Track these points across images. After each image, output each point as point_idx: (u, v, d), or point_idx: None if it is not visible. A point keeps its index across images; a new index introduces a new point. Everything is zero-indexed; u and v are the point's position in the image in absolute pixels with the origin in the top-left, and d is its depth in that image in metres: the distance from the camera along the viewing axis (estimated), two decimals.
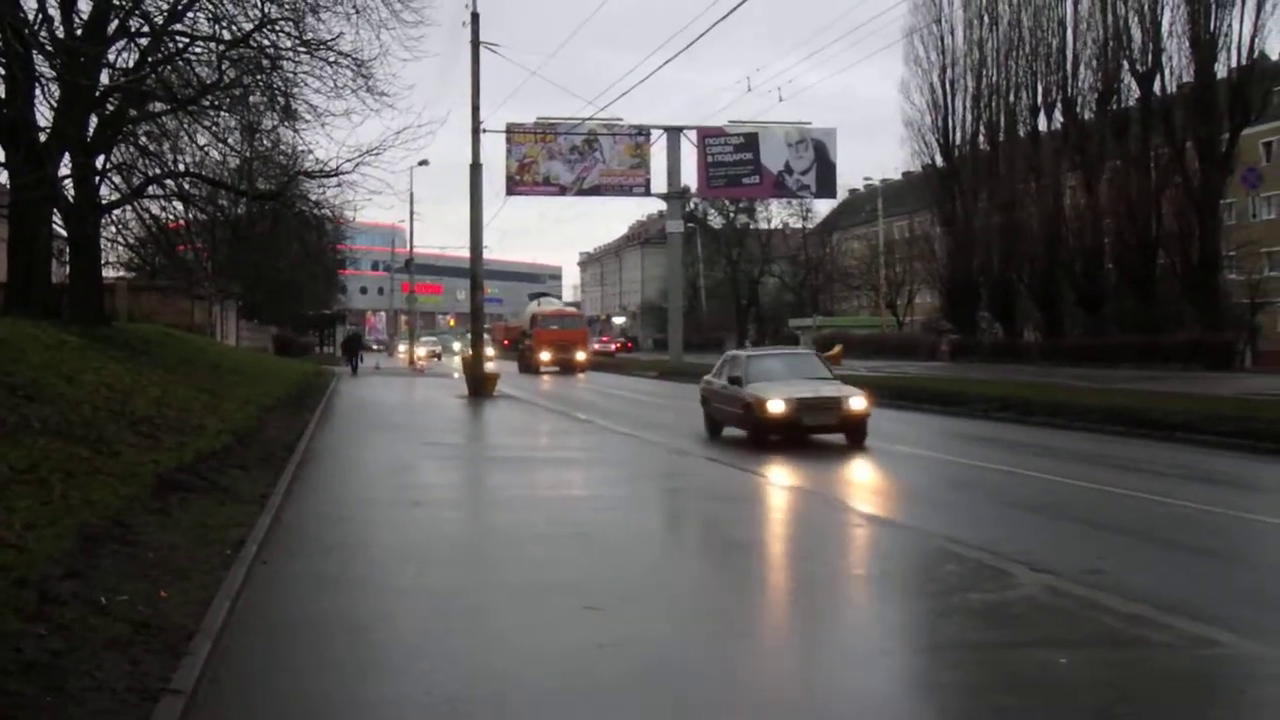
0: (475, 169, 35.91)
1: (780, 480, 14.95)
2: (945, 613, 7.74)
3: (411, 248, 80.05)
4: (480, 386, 33.26)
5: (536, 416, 27.44)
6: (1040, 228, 59.45)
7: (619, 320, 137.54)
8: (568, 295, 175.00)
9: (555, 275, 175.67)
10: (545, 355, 56.78)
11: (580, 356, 57.52)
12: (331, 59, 23.64)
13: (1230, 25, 51.07)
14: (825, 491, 13.94)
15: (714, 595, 8.47)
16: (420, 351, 70.07)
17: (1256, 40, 51.17)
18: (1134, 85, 55.33)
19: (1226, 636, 6.94)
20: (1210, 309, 52.87)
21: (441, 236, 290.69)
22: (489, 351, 71.99)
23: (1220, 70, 51.75)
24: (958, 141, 66.52)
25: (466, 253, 36.99)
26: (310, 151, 28.51)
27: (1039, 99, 61.71)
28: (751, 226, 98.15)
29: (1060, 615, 7.57)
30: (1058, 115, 60.64)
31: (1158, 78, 53.87)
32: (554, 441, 21.41)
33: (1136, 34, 54.67)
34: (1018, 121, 63.06)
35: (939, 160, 67.61)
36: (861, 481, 16.44)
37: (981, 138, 65.26)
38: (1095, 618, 7.40)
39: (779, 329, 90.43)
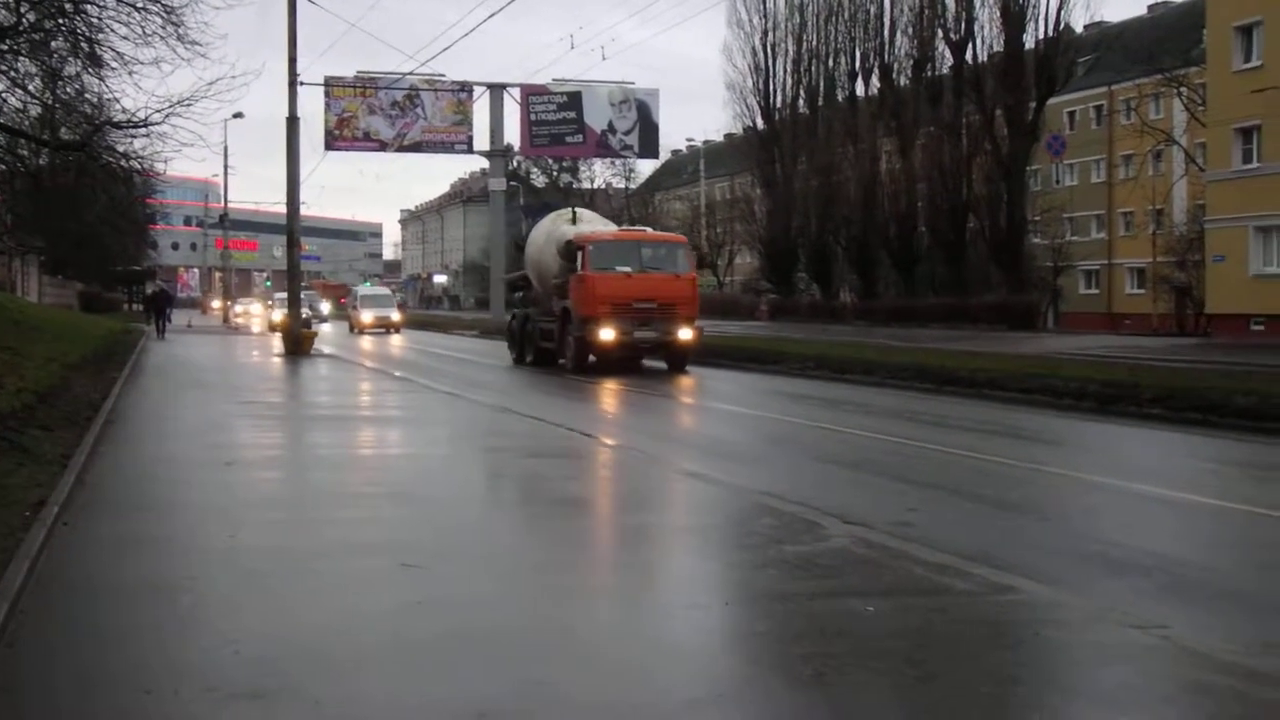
0: (292, 122, 35.03)
1: (602, 437, 15.02)
2: (760, 565, 7.87)
3: (226, 203, 77.79)
4: (297, 345, 32.60)
5: (355, 375, 27.01)
6: (857, 191, 60.84)
7: (440, 279, 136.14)
8: (388, 254, 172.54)
9: (376, 233, 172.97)
10: (608, 333, 26.10)
11: (688, 336, 26.66)
12: (139, 4, 22.64)
13: None
14: (646, 448, 14.06)
15: (534, 551, 8.47)
16: (238, 309, 68.20)
17: (1063, 12, 53.15)
18: (948, 53, 56.91)
19: (1023, 583, 7.23)
20: (1016, 272, 54.89)
21: (258, 192, 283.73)
22: (324, 309, 70.98)
23: (1028, 41, 53.54)
24: (778, 105, 67.54)
25: (283, 209, 36.10)
26: (118, 101, 27.28)
27: (857, 64, 62.99)
28: (575, 186, 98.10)
29: (870, 566, 7.77)
30: (875, 81, 62.03)
31: (970, 46, 55.53)
32: (373, 400, 21.12)
33: (950, 3, 56.26)
34: (836, 86, 64.33)
35: (760, 123, 68.56)
36: (682, 438, 16.64)
37: (801, 101, 66.37)
38: (903, 568, 7.63)
39: None
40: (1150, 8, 70.50)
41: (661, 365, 27.69)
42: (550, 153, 78.24)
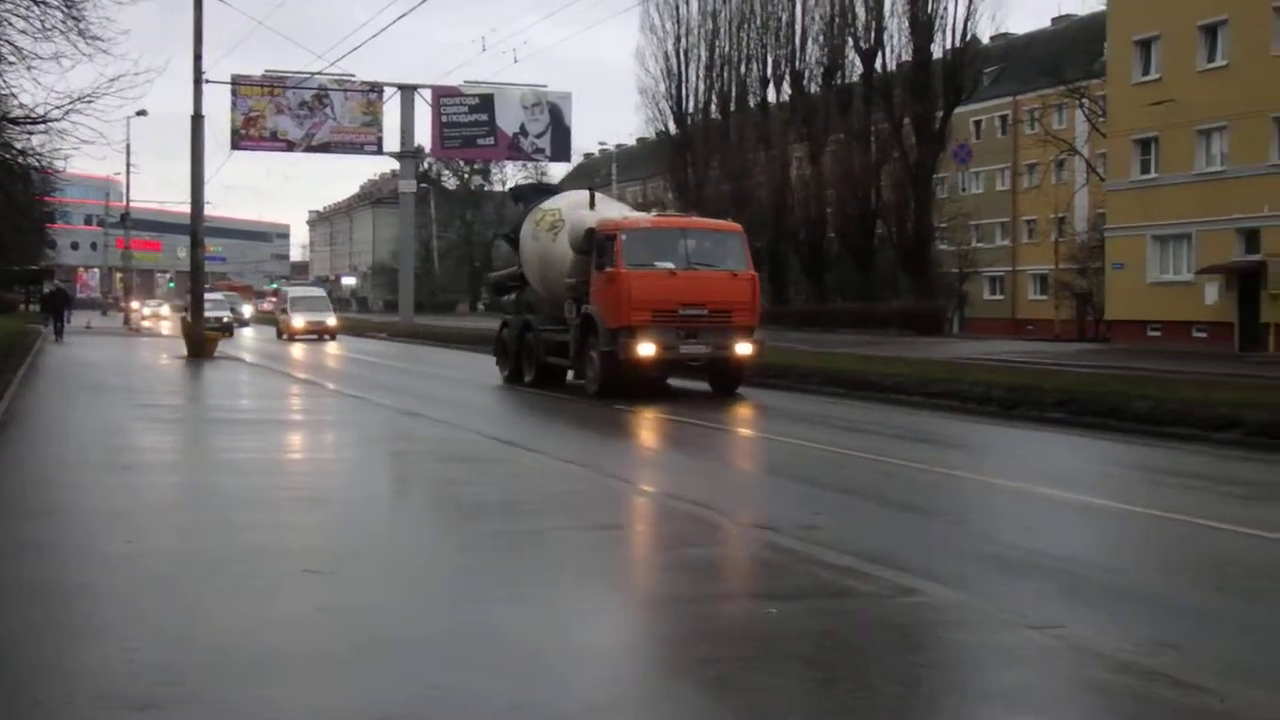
0: (197, 120, 34.43)
1: (507, 440, 14.94)
2: (667, 568, 7.89)
3: (128, 202, 76.27)
4: (200, 348, 32.05)
5: (260, 378, 26.64)
6: (768, 197, 61.27)
7: (349, 281, 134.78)
8: (296, 255, 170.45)
9: (283, 234, 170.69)
10: (648, 348, 20.92)
11: (747, 350, 21.73)
12: None
13: (946, 8, 53.71)
14: (552, 450, 14.01)
15: (443, 557, 8.38)
16: (146, 311, 66.79)
17: (970, 23, 54.01)
18: (858, 62, 57.54)
19: (927, 585, 7.31)
20: (923, 278, 55.67)
21: (162, 191, 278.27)
22: (246, 313, 69.66)
23: (937, 51, 54.33)
24: (691, 110, 67.80)
25: (188, 208, 35.49)
26: (15, 96, 26.52)
27: (769, 71, 63.47)
28: (486, 188, 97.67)
29: (775, 569, 7.83)
30: (787, 88, 62.53)
31: (880, 55, 56.23)
32: (279, 404, 20.84)
33: (861, 12, 56.94)
34: (748, 92, 64.73)
35: (672, 128, 68.76)
36: (587, 441, 16.61)
37: (714, 107, 66.70)
38: (808, 570, 7.66)
39: None
40: (1054, 20, 71.85)
41: (685, 384, 23.00)
42: (461, 155, 77.95)
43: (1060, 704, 5.44)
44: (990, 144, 69.12)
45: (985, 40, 59.31)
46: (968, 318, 68.63)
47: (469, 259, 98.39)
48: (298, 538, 8.73)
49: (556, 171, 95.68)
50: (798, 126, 61.24)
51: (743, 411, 20.16)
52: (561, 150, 65.77)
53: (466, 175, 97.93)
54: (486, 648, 6.00)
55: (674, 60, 67.24)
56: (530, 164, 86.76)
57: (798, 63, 61.23)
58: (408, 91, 61.04)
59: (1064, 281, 60.22)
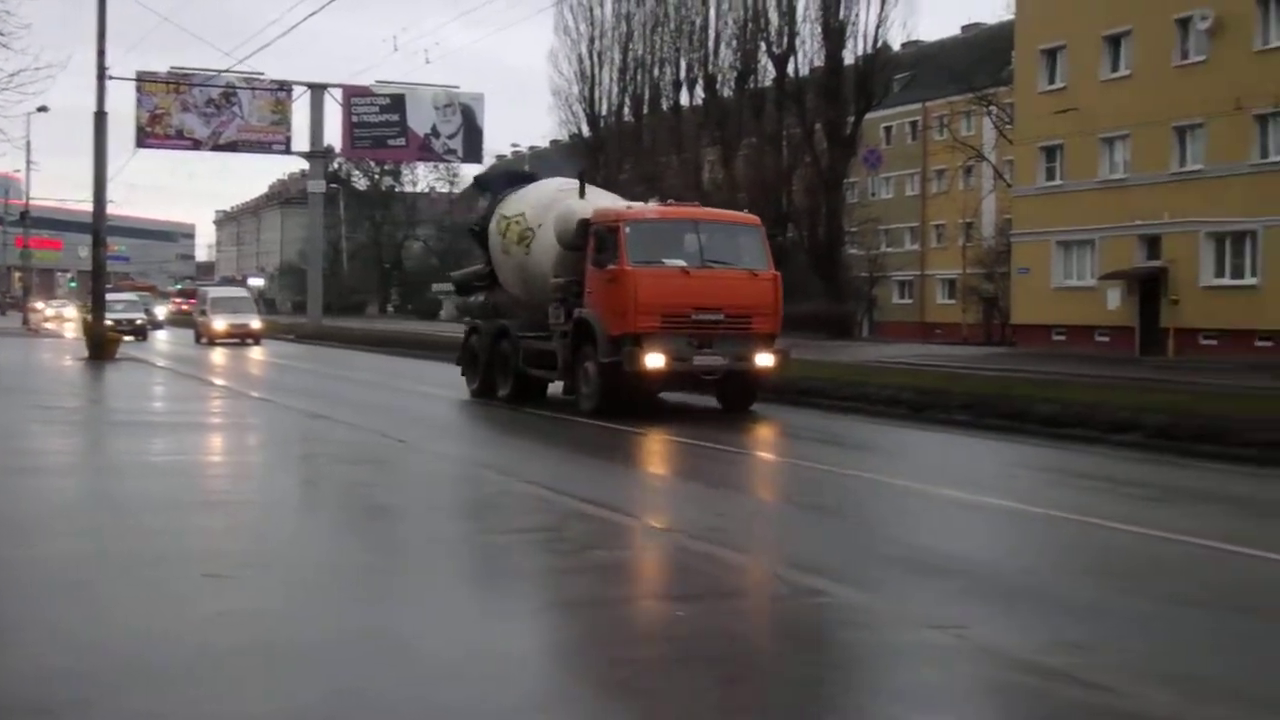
0: (100, 117, 33.74)
1: (417, 443, 14.82)
2: (571, 570, 7.87)
3: (28, 199, 74.65)
4: (102, 349, 31.41)
5: (163, 380, 26.16)
6: (681, 201, 61.35)
7: (256, 282, 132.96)
8: (202, 255, 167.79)
9: (189, 234, 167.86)
10: (657, 359, 18.17)
11: (768, 362, 19.12)
12: None
13: (858, 15, 54.22)
14: (458, 453, 13.92)
15: (349, 560, 8.27)
16: (49, 311, 65.24)
17: (880, 30, 54.55)
18: (771, 66, 57.90)
19: (831, 586, 7.37)
20: (834, 282, 56.13)
21: (64, 189, 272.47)
22: (160, 313, 67.95)
23: (848, 57, 54.86)
24: (604, 112, 67.77)
25: (90, 206, 34.78)
26: None
27: (682, 74, 63.67)
28: (397, 189, 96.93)
29: (681, 570, 7.85)
30: (700, 91, 62.75)
31: (792, 60, 56.59)
32: (182, 406, 20.46)
33: (774, 17, 57.19)
34: (662, 95, 64.83)
35: (585, 130, 68.69)
36: (489, 441, 16.53)
37: (627, 110, 66.70)
38: (714, 572, 7.70)
39: (424, 293, 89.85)
40: (964, 28, 72.84)
41: (684, 398, 20.57)
42: (372, 155, 77.25)
43: (963, 702, 5.50)
44: (900, 150, 69.94)
45: (896, 47, 59.98)
46: (877, 321, 69.39)
47: (378, 260, 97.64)
48: (202, 541, 8.57)
49: (469, 172, 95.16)
50: (711, 130, 61.49)
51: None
52: (474, 151, 65.36)
53: (377, 176, 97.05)
54: (391, 651, 5.93)
55: (587, 62, 67.25)
56: (442, 164, 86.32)
57: (710, 66, 61.47)
58: (318, 90, 60.28)
59: (971, 286, 61.11)
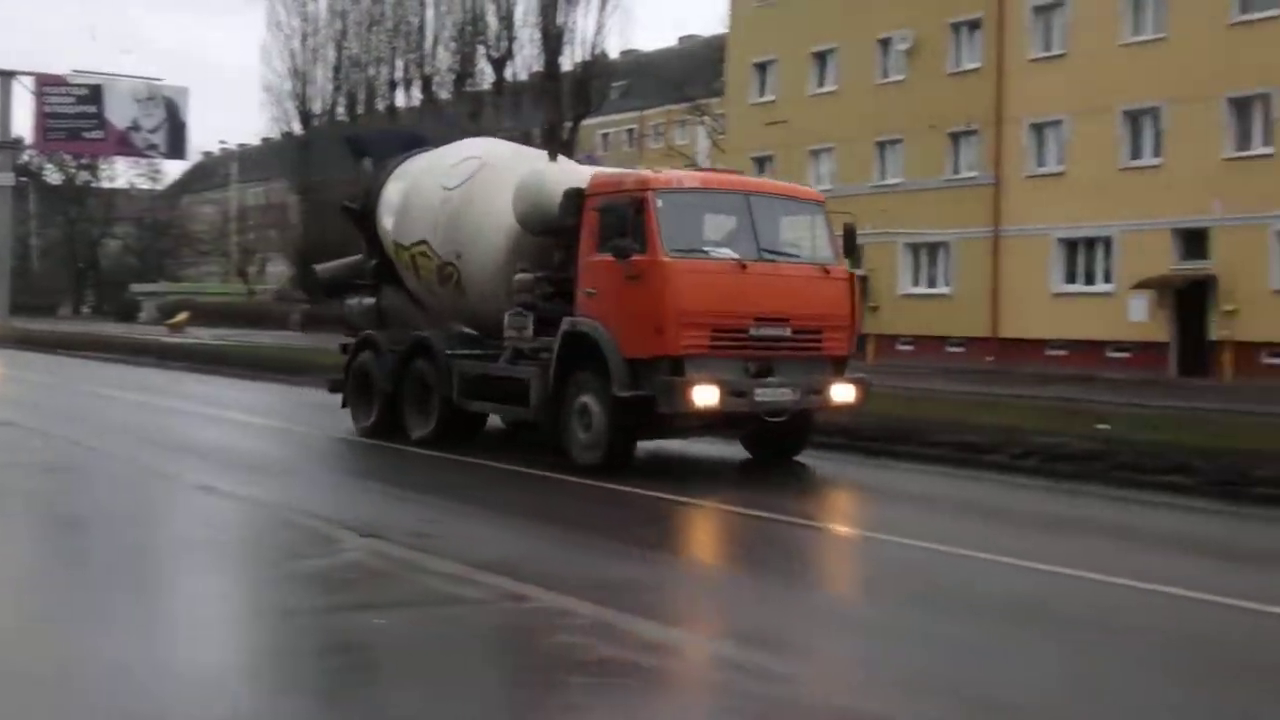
0: None
1: (114, 451, 13.89)
2: (273, 581, 7.58)
3: None
4: None
5: None
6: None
7: None
8: None
9: None
10: (708, 394, 12.25)
11: (848, 396, 13.43)
12: None
13: (576, 22, 54.69)
14: (159, 464, 13.10)
15: (38, 573, 7.71)
16: None
17: (599, 38, 55.18)
18: (489, 69, 57.78)
19: (535, 591, 7.20)
20: None
21: None
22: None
23: (566, 63, 55.31)
24: (318, 111, 66.26)
25: None
26: None
27: (399, 74, 62.87)
28: (94, 184, 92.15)
29: (384, 578, 7.64)
30: (417, 92, 62.07)
31: (510, 64, 56.62)
32: None
33: (492, 20, 57.09)
34: (377, 95, 63.81)
35: (298, 128, 67.04)
36: (200, 450, 15.65)
37: (341, 108, 65.40)
38: (417, 579, 7.52)
39: (121, 294, 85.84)
40: (681, 39, 74.45)
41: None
42: (67, 148, 73.00)
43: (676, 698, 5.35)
44: (617, 156, 70.72)
45: (615, 55, 60.82)
46: None
47: (72, 259, 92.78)
48: None
49: (173, 169, 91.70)
50: (428, 131, 60.80)
51: None
52: (178, 147, 62.59)
53: (73, 170, 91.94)
54: (86, 671, 5.49)
55: (300, 59, 65.54)
56: (143, 161, 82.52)
57: (427, 67, 60.90)
58: (6, 78, 56.49)
59: None
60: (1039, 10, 36.27)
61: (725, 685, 5.80)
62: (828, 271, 13.43)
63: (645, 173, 13.72)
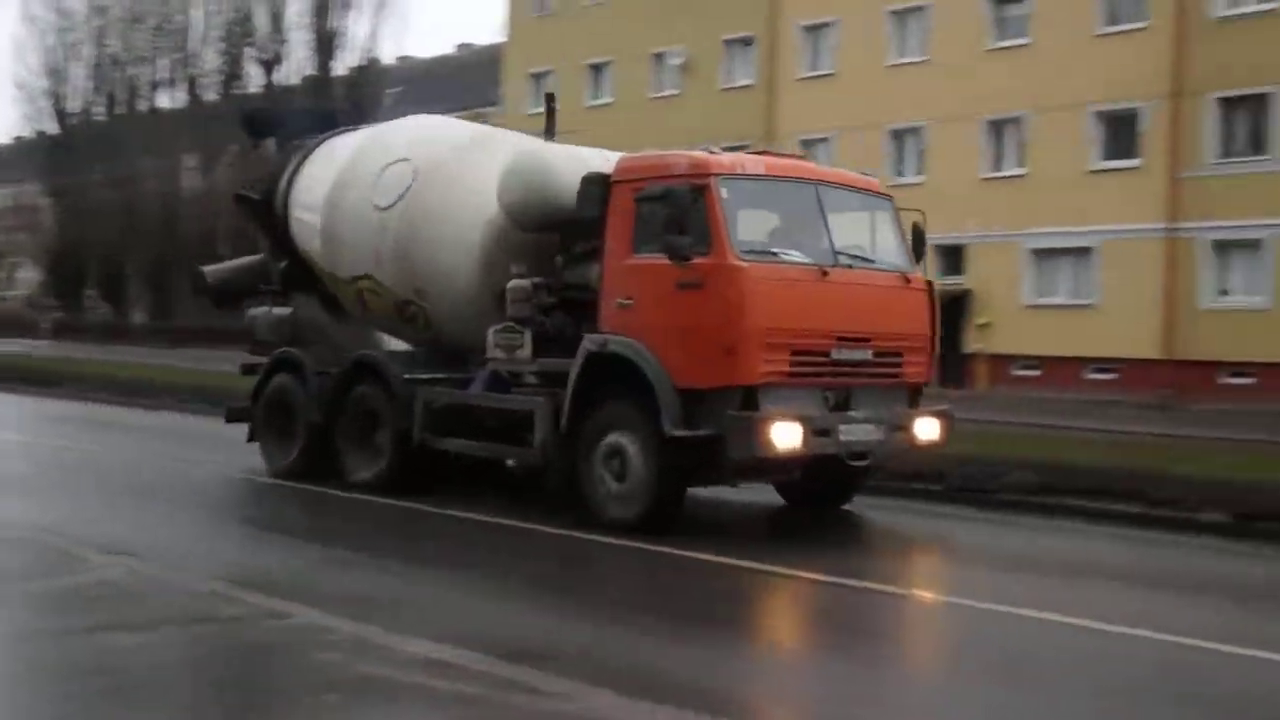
0: None
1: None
2: (5, 602, 7.11)
3: None
4: None
5: None
6: (157, 206, 58.60)
7: None
8: None
9: None
10: (791, 433, 9.75)
11: (933, 433, 11.08)
12: None
13: (349, 27, 54.02)
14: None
15: None
16: None
17: (373, 42, 54.64)
18: (258, 72, 56.51)
19: (296, 608, 6.96)
20: None
21: None
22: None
23: (339, 68, 54.53)
24: (75, 110, 63.65)
25: None
26: None
27: (162, 74, 60.93)
28: None
29: (134, 597, 7.26)
30: (182, 93, 60.22)
31: (281, 67, 55.49)
32: None
33: (262, 22, 55.91)
34: (138, 96, 61.67)
35: (53, 127, 64.33)
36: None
37: (100, 108, 63.00)
38: (169, 597, 7.18)
39: None
40: (458, 47, 73.94)
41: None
42: None
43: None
44: None
45: (390, 61, 60.13)
46: None
47: None
48: None
49: None
50: (192, 134, 58.93)
51: (108, 431, 18.62)
52: None
53: None
54: None
55: (56, 55, 62.75)
56: None
57: (193, 68, 59.08)
58: None
59: None
60: (808, 30, 37.33)
61: None
62: (908, 281, 11.10)
63: (699, 154, 10.49)
